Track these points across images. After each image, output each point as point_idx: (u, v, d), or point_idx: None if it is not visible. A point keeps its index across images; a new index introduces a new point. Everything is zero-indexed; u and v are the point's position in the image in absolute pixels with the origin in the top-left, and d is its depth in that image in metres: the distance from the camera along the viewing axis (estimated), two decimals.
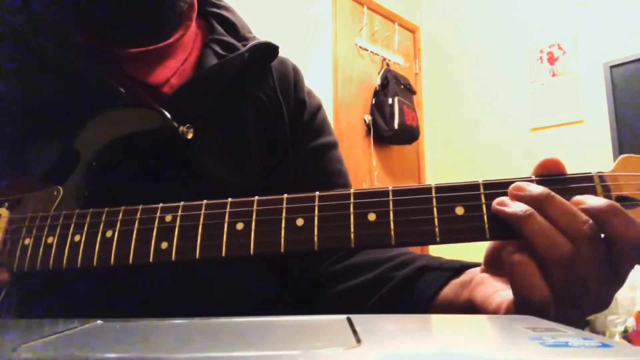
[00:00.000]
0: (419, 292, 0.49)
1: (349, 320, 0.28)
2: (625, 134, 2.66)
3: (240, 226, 0.40)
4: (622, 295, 2.03)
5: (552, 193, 0.35)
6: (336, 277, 0.57)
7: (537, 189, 0.36)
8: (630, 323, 1.92)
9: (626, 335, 1.91)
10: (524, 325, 0.26)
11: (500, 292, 0.40)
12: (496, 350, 0.23)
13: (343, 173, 0.65)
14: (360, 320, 0.28)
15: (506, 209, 0.35)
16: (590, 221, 0.33)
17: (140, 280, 0.47)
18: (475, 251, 0.43)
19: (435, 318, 0.37)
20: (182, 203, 0.42)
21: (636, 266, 0.35)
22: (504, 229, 0.36)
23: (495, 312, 0.39)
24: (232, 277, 0.52)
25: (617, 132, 2.68)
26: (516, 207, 0.35)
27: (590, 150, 2.75)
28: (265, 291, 0.58)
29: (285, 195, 0.40)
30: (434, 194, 0.38)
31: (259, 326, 0.29)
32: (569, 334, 0.23)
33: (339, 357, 0.20)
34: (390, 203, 0.38)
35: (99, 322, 0.31)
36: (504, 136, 3.12)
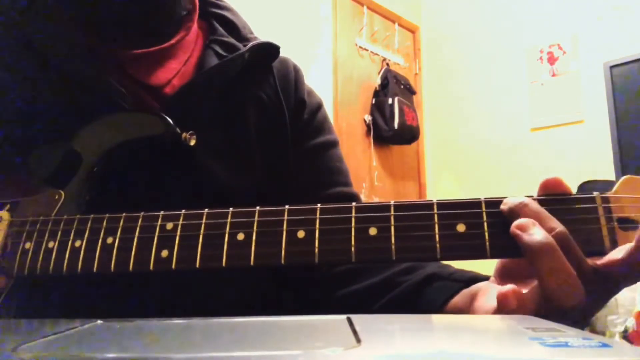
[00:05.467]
0: (428, 299, 0.48)
1: (349, 320, 0.28)
2: (625, 134, 2.66)
3: (241, 236, 0.40)
4: (622, 295, 2.03)
5: (526, 201, 0.36)
6: (339, 280, 0.57)
7: (514, 201, 0.37)
8: (630, 323, 1.91)
9: (626, 335, 1.91)
10: (524, 325, 0.26)
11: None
12: (496, 350, 0.23)
13: (343, 171, 0.65)
14: (360, 320, 0.28)
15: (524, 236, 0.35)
16: (558, 229, 0.34)
17: (140, 281, 0.47)
18: (479, 263, 0.43)
19: (436, 318, 0.37)
20: (183, 211, 0.42)
21: None
22: (505, 248, 0.36)
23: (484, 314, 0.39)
24: (232, 277, 0.52)
25: (617, 132, 2.68)
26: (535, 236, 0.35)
27: (590, 150, 2.75)
28: (266, 292, 0.58)
29: (287, 207, 0.40)
30: (435, 210, 0.38)
31: (259, 326, 0.29)
32: (569, 334, 0.23)
33: (339, 357, 0.20)
34: (392, 218, 0.38)
35: (99, 322, 0.31)
36: (504, 136, 3.12)
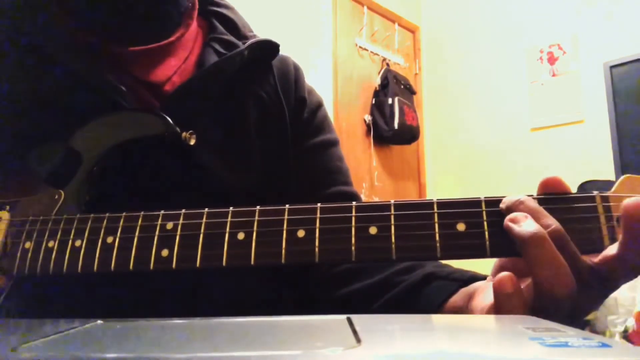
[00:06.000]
0: (426, 299, 0.48)
1: (349, 320, 0.28)
2: (625, 134, 2.66)
3: (241, 236, 0.40)
4: (622, 295, 2.03)
5: (522, 199, 0.36)
6: (338, 280, 0.57)
7: (511, 198, 0.37)
8: (630, 323, 1.92)
9: (626, 335, 1.91)
10: (524, 325, 0.26)
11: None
12: (496, 350, 0.23)
13: (343, 170, 0.65)
14: (360, 320, 0.28)
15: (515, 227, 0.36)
16: (553, 225, 0.34)
17: (140, 281, 0.47)
18: (479, 262, 0.43)
19: (436, 318, 0.37)
20: (183, 211, 0.42)
21: None
22: (505, 247, 0.36)
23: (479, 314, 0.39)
24: (232, 277, 0.52)
25: (617, 132, 2.68)
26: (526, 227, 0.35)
27: (590, 150, 2.75)
28: (265, 291, 0.58)
29: (287, 206, 0.40)
30: (435, 210, 0.38)
31: (259, 326, 0.29)
32: (569, 334, 0.23)
33: (339, 357, 0.20)
34: (392, 217, 0.38)
35: (99, 322, 0.31)
36: (504, 136, 3.12)
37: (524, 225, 0.35)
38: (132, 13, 0.52)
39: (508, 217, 0.36)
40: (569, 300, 0.34)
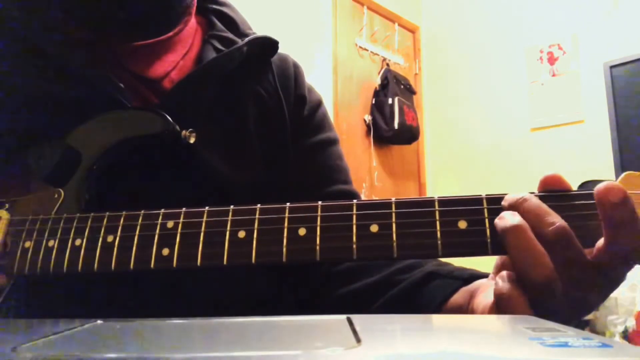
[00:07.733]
0: (427, 298, 0.48)
1: (349, 320, 0.28)
2: (625, 134, 2.66)
3: (242, 234, 0.40)
4: (622, 295, 2.03)
5: (526, 197, 0.36)
6: (339, 279, 0.57)
7: (514, 196, 0.37)
8: (630, 323, 1.92)
9: (626, 335, 1.91)
10: (524, 325, 0.26)
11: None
12: (496, 350, 0.23)
13: (343, 169, 0.65)
14: (360, 320, 0.28)
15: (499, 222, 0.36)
16: (558, 223, 0.34)
17: (140, 280, 0.47)
18: (481, 260, 0.43)
19: (436, 318, 0.37)
20: (183, 210, 0.42)
21: (636, 266, 0.35)
22: None
23: (481, 313, 0.39)
24: (232, 276, 0.52)
25: (617, 132, 2.68)
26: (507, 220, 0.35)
27: (590, 150, 2.75)
28: (265, 291, 0.58)
29: (288, 205, 0.40)
30: (437, 207, 0.38)
31: (259, 326, 0.29)
32: (569, 334, 0.23)
33: (339, 357, 0.20)
34: (393, 215, 0.38)
35: (99, 322, 0.31)
36: (504, 136, 3.12)
37: (506, 219, 0.35)
38: (130, 9, 0.52)
39: (498, 216, 0.36)
40: (548, 289, 0.34)
